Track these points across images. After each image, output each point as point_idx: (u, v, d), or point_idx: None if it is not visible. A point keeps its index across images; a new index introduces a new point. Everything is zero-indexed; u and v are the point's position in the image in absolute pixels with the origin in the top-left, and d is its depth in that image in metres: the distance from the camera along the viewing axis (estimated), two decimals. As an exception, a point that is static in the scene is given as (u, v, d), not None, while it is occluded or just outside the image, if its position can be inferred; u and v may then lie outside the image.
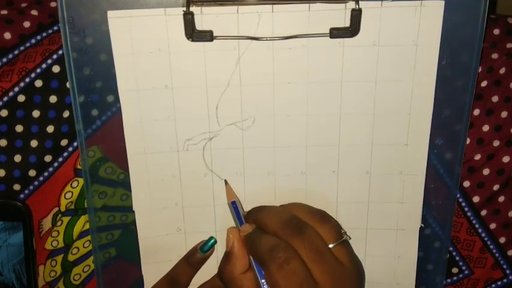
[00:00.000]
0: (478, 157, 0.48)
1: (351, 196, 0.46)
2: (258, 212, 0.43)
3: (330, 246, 0.39)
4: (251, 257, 0.40)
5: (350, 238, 0.41)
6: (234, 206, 0.44)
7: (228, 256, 0.42)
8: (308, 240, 0.38)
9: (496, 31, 0.47)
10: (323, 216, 0.41)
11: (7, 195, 0.46)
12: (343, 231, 0.41)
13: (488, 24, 0.41)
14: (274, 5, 0.40)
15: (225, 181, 0.46)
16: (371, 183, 0.46)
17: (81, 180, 0.47)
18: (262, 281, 0.39)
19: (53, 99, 0.45)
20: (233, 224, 0.46)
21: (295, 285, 0.37)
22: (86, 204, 0.46)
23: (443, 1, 0.40)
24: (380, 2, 0.40)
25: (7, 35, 0.44)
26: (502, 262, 0.51)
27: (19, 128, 0.45)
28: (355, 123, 0.44)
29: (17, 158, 0.45)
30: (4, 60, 0.44)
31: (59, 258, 0.49)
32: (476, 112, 0.47)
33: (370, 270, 0.45)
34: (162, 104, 0.43)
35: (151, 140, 0.44)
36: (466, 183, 0.48)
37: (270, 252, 0.38)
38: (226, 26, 0.41)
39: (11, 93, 0.44)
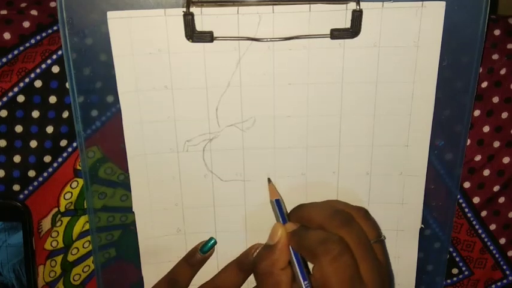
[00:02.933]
0: (478, 158, 0.48)
1: (351, 197, 0.46)
2: (300, 209, 0.43)
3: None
4: (293, 256, 0.40)
5: (385, 238, 0.42)
6: (278, 204, 0.43)
7: (271, 250, 0.41)
8: (356, 234, 0.38)
9: (497, 32, 0.47)
10: (366, 213, 0.42)
11: (7, 196, 0.46)
12: (380, 230, 0.42)
13: (489, 25, 0.41)
14: (274, 6, 0.40)
15: (268, 179, 0.46)
16: (371, 184, 0.46)
17: (80, 181, 0.47)
18: (305, 282, 0.38)
19: (52, 99, 0.45)
20: (231, 225, 0.47)
21: (346, 279, 0.36)
22: (85, 204, 0.46)
23: (444, 2, 0.40)
24: (381, 2, 0.40)
25: (6, 35, 0.44)
26: (502, 263, 0.51)
27: (18, 129, 0.45)
28: (355, 124, 0.44)
29: (17, 159, 0.45)
30: (4, 60, 0.44)
31: (59, 258, 0.48)
32: (477, 113, 0.47)
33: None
34: (162, 105, 0.43)
35: (151, 141, 0.44)
36: (467, 184, 0.48)
37: (323, 244, 0.37)
38: (227, 26, 0.40)
39: (10, 94, 0.44)
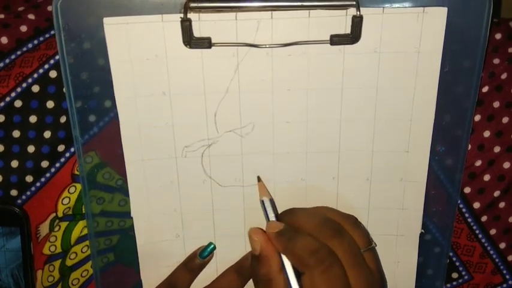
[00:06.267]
0: (478, 163, 0.47)
1: (351, 202, 0.46)
2: (290, 213, 0.42)
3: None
4: (284, 259, 0.39)
5: (376, 245, 0.41)
6: (263, 204, 0.43)
7: (259, 258, 0.40)
8: (347, 243, 0.38)
9: (498, 35, 0.46)
10: (355, 221, 0.41)
11: (4, 201, 0.46)
12: (371, 238, 0.41)
13: (490, 29, 0.41)
14: (273, 12, 0.40)
15: (258, 177, 0.45)
16: (371, 189, 0.46)
17: (78, 186, 0.46)
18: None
19: (50, 104, 0.45)
20: (230, 230, 0.46)
21: None
22: (83, 209, 0.46)
23: (446, 8, 0.40)
24: (381, 8, 0.40)
25: (4, 39, 0.44)
26: (502, 267, 0.51)
27: (16, 134, 0.45)
28: (355, 129, 0.44)
29: (14, 164, 0.45)
30: (1, 65, 0.44)
31: (57, 263, 0.48)
32: (477, 118, 0.47)
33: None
34: (160, 111, 0.42)
35: (149, 146, 0.44)
36: (467, 189, 0.48)
37: (314, 255, 0.37)
38: (225, 32, 0.40)
39: (7, 99, 0.44)
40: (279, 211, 0.44)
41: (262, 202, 0.43)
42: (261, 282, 0.40)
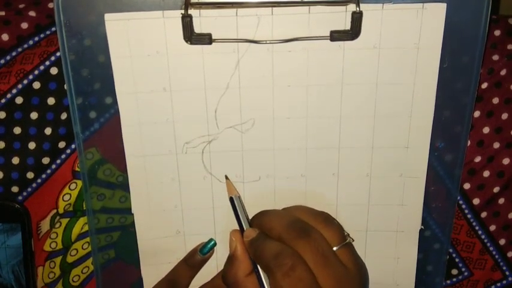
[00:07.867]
0: (478, 159, 0.48)
1: (351, 198, 0.46)
2: (262, 216, 0.42)
3: (334, 249, 0.39)
4: (256, 263, 0.40)
5: (353, 240, 0.41)
6: (232, 202, 0.43)
7: (231, 259, 0.41)
8: (314, 243, 0.38)
9: (497, 32, 0.46)
10: (326, 219, 0.41)
11: (5, 197, 0.46)
12: (346, 233, 0.41)
13: (489, 25, 0.41)
14: (273, 8, 0.40)
15: (226, 176, 0.45)
16: (371, 185, 0.46)
17: (79, 182, 0.46)
18: None
19: (51, 101, 0.45)
20: (230, 226, 0.46)
21: None
22: (84, 206, 0.46)
23: (445, 4, 0.40)
24: (381, 4, 0.40)
25: (5, 36, 0.44)
26: (501, 264, 0.51)
27: (17, 130, 0.45)
28: (355, 125, 0.44)
29: (15, 160, 0.45)
30: (2, 61, 0.44)
31: (58, 259, 0.48)
32: (477, 114, 0.47)
33: (369, 271, 0.45)
34: (161, 107, 0.42)
35: (149, 142, 0.44)
36: (467, 185, 0.48)
37: (276, 258, 0.37)
38: (225, 28, 0.40)
39: (8, 95, 0.44)
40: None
41: (232, 200, 0.43)
42: (228, 284, 0.41)
